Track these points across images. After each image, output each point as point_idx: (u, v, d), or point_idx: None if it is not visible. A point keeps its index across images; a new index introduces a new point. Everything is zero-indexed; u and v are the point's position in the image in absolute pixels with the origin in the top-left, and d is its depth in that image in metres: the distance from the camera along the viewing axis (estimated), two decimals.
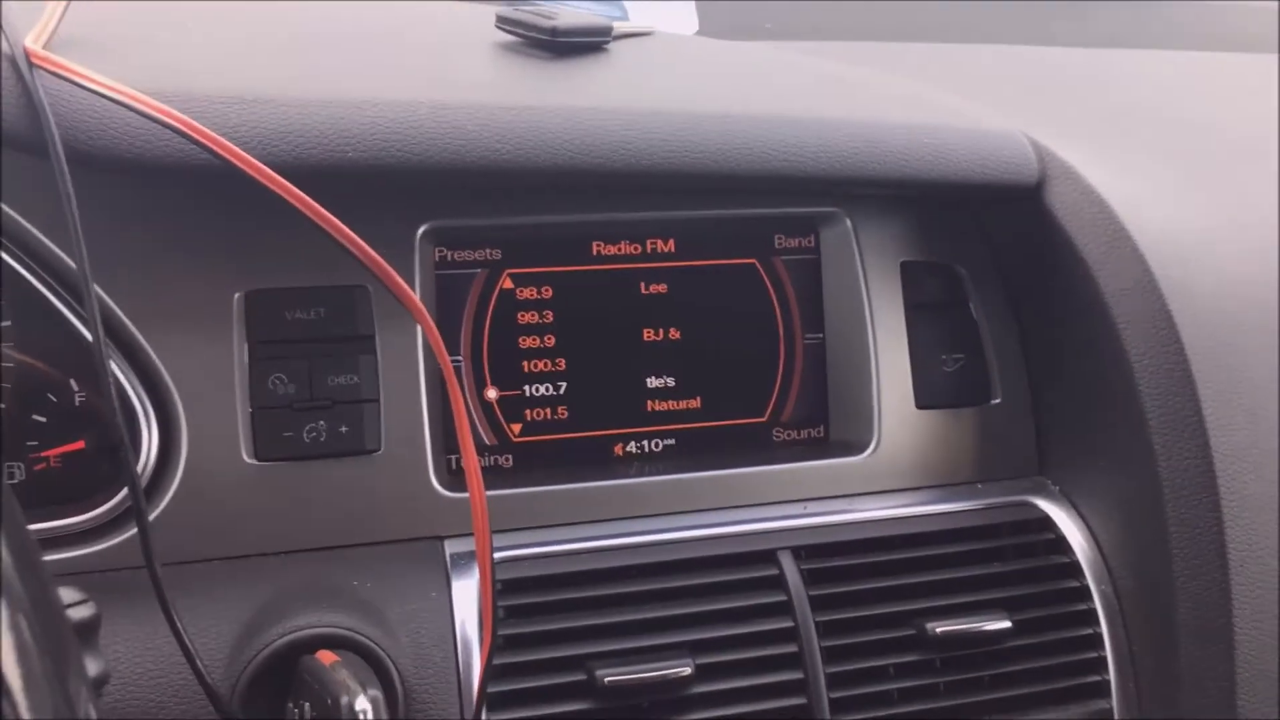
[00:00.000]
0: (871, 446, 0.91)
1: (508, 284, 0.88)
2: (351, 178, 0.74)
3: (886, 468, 0.91)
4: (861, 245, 0.93)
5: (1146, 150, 1.02)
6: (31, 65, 0.63)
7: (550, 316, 0.89)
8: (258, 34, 0.85)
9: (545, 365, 0.89)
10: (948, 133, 0.90)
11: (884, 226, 0.94)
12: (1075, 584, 0.87)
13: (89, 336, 0.71)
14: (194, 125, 0.62)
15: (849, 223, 0.93)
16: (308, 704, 0.64)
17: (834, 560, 0.84)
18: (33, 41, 0.64)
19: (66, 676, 0.38)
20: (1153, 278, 0.84)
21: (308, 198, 0.62)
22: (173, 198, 0.77)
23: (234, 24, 0.86)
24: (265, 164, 0.64)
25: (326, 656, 0.66)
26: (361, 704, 0.60)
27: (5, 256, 0.74)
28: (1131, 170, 0.94)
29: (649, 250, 0.91)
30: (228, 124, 0.66)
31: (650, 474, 0.88)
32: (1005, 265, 0.96)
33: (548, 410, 0.89)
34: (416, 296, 0.65)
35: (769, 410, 0.93)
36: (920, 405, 0.92)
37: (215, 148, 0.62)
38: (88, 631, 0.52)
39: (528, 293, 0.88)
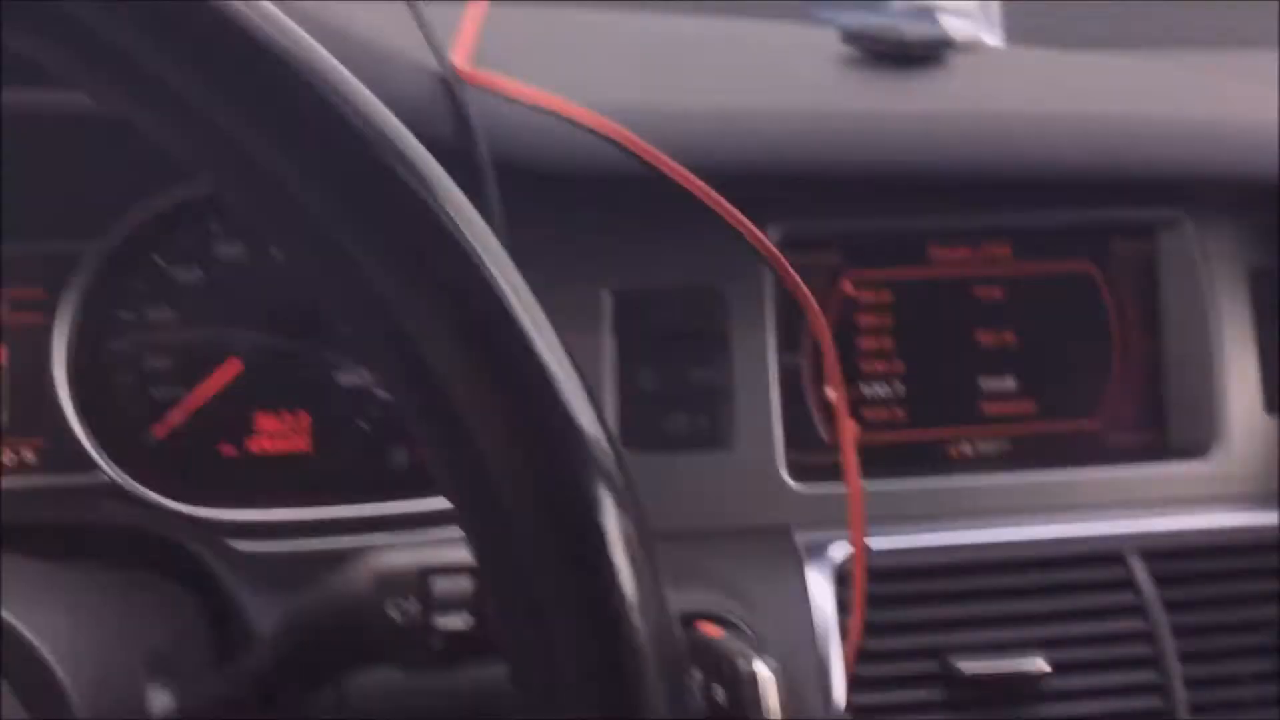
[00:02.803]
0: (1216, 450, 0.89)
1: (847, 286, 0.90)
2: (722, 184, 0.78)
3: (1232, 473, 0.89)
4: (1206, 249, 0.92)
5: None
6: (461, 83, 0.69)
7: (888, 319, 0.91)
8: (627, 50, 0.90)
9: (882, 366, 0.91)
10: None
11: (1228, 229, 0.92)
12: None
13: None
14: (625, 134, 0.67)
15: (1191, 227, 0.92)
16: (699, 672, 0.67)
17: (1184, 564, 0.83)
18: (459, 59, 0.71)
19: None
20: None
21: (730, 205, 0.66)
22: (550, 201, 0.83)
23: (601, 34, 0.92)
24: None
25: (710, 629, 0.70)
26: (762, 668, 0.63)
27: None
28: None
29: (985, 255, 0.92)
30: (653, 135, 0.71)
31: (985, 474, 0.89)
32: None
33: (885, 411, 0.91)
34: (807, 290, 0.68)
35: (1104, 414, 0.93)
36: (1270, 410, 0.90)
37: (646, 156, 0.67)
38: None
39: (866, 295, 0.91)
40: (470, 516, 0.38)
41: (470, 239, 0.38)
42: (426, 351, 0.37)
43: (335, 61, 0.38)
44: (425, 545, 0.52)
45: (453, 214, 0.38)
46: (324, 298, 0.39)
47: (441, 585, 0.50)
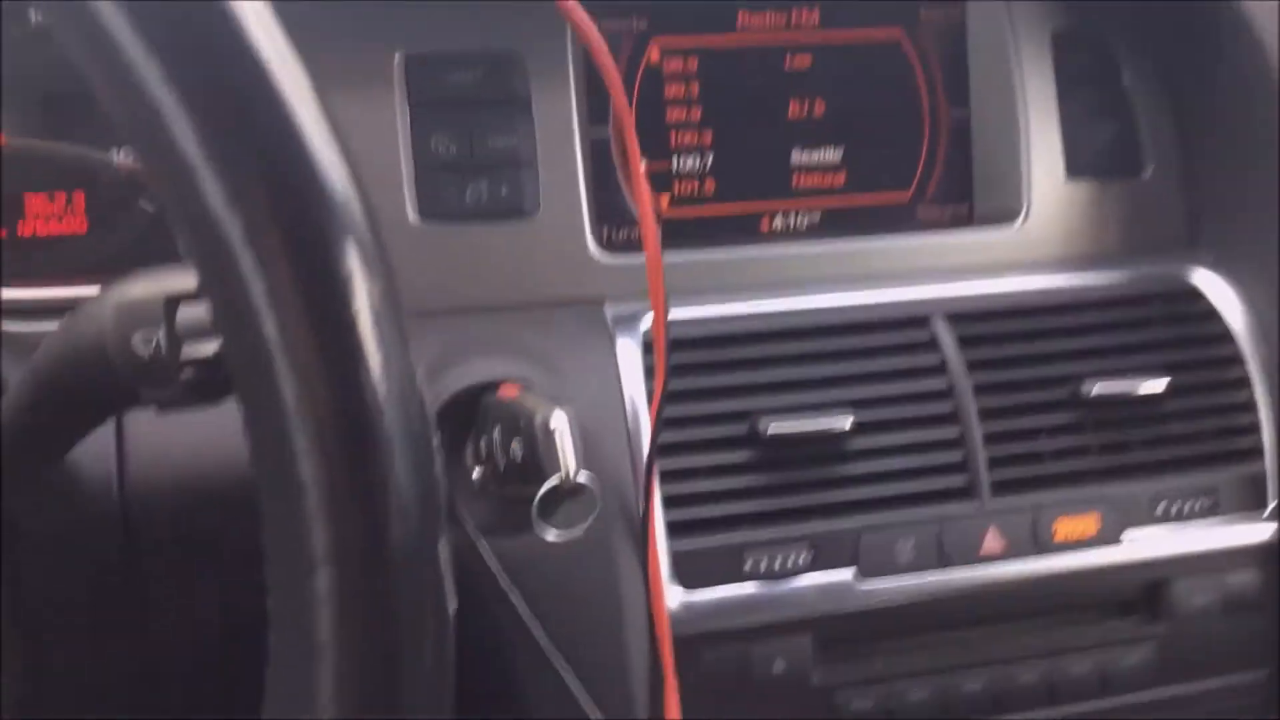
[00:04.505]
0: (1020, 217, 0.90)
1: (654, 55, 0.87)
2: None
3: (1035, 239, 0.91)
4: (1012, 15, 0.91)
5: None
6: None
7: (696, 89, 0.88)
8: None
9: (692, 138, 0.89)
10: None
11: None
12: (1229, 352, 0.87)
13: None
14: None
15: None
16: (496, 430, 0.66)
17: (987, 325, 0.84)
18: None
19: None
20: None
21: None
22: None
23: None
24: None
25: (509, 389, 0.68)
26: (558, 419, 0.61)
27: None
28: None
29: (793, 21, 0.90)
30: None
31: (797, 244, 0.88)
32: (1157, 33, 0.93)
33: (695, 184, 0.89)
34: (612, 66, 0.65)
35: (914, 184, 0.93)
36: (1071, 176, 0.91)
37: None
38: None
39: (674, 64, 0.88)
40: (206, 264, 0.35)
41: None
42: (166, 103, 0.33)
43: None
44: (173, 272, 0.48)
45: None
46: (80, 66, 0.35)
47: (188, 313, 0.47)
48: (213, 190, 0.34)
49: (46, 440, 0.53)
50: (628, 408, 0.76)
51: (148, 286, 0.47)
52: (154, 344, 0.46)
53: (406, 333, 0.37)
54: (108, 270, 0.78)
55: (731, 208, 0.90)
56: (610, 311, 0.81)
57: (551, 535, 0.63)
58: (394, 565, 0.35)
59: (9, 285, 0.75)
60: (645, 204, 0.69)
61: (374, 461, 0.35)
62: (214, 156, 0.33)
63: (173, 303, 0.46)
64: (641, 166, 0.70)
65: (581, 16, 0.66)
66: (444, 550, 0.37)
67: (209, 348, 0.46)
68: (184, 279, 0.47)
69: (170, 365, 0.46)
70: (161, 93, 0.33)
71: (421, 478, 0.36)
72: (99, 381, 0.48)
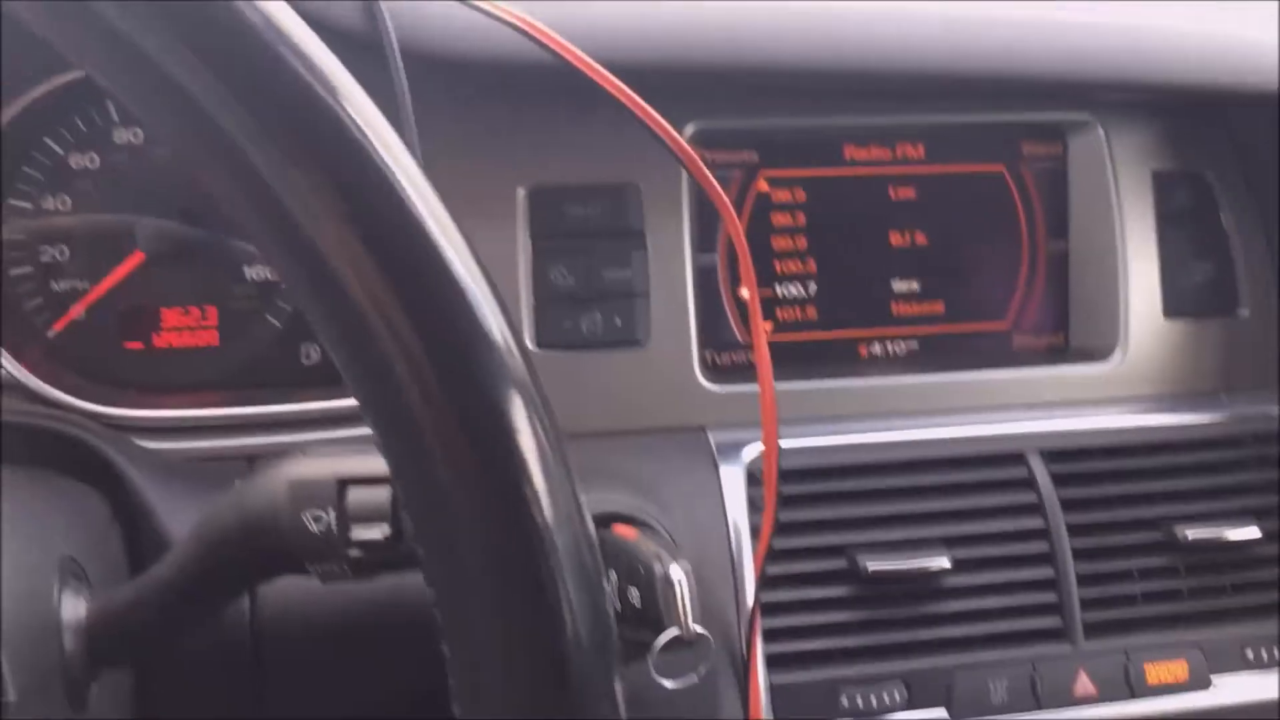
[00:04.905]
0: (1117, 354, 0.92)
1: (763, 186, 0.90)
2: (638, 76, 0.76)
3: (1130, 376, 0.92)
4: (1114, 153, 0.93)
5: None
6: None
7: (802, 218, 0.91)
8: None
9: (796, 266, 0.91)
10: (1202, 37, 0.89)
11: (1135, 134, 0.93)
12: None
13: None
14: (533, 24, 0.66)
15: (1101, 131, 0.93)
16: (613, 573, 0.68)
17: (1082, 464, 0.86)
18: None
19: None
20: None
21: (639, 99, 0.65)
22: (464, 95, 0.81)
23: None
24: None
25: (626, 530, 0.71)
26: (676, 572, 0.64)
27: None
28: None
29: (898, 155, 0.92)
30: (567, 26, 0.69)
31: (895, 375, 0.90)
32: (1256, 174, 0.95)
33: (797, 310, 0.91)
34: (723, 193, 0.68)
35: (1011, 316, 0.95)
36: (1168, 314, 0.93)
37: (554, 46, 0.65)
38: None
39: (782, 195, 0.91)
40: (381, 427, 0.37)
41: (374, 142, 0.36)
42: (331, 257, 0.35)
43: None
44: (342, 453, 0.51)
45: (355, 116, 0.36)
46: (225, 203, 0.37)
47: (358, 496, 0.49)
48: (412, 389, 0.36)
49: (207, 601, 0.56)
50: (732, 539, 0.79)
51: (320, 467, 0.50)
52: (325, 523, 0.49)
53: (574, 475, 0.39)
54: (235, 384, 0.82)
55: (832, 334, 0.92)
56: (714, 439, 0.83)
57: (669, 684, 0.65)
58: (572, 704, 0.37)
59: (143, 405, 0.78)
60: (760, 340, 0.71)
61: (552, 604, 0.37)
62: (410, 352, 0.36)
63: (344, 484, 0.49)
64: (755, 297, 0.72)
65: (691, 155, 0.68)
66: (619, 686, 0.39)
67: (376, 530, 0.49)
68: (353, 462, 0.50)
69: (339, 544, 0.49)
70: (390, 340, 0.35)
71: (597, 617, 0.38)
72: (269, 553, 0.51)
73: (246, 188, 0.36)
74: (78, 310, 0.81)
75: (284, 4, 0.37)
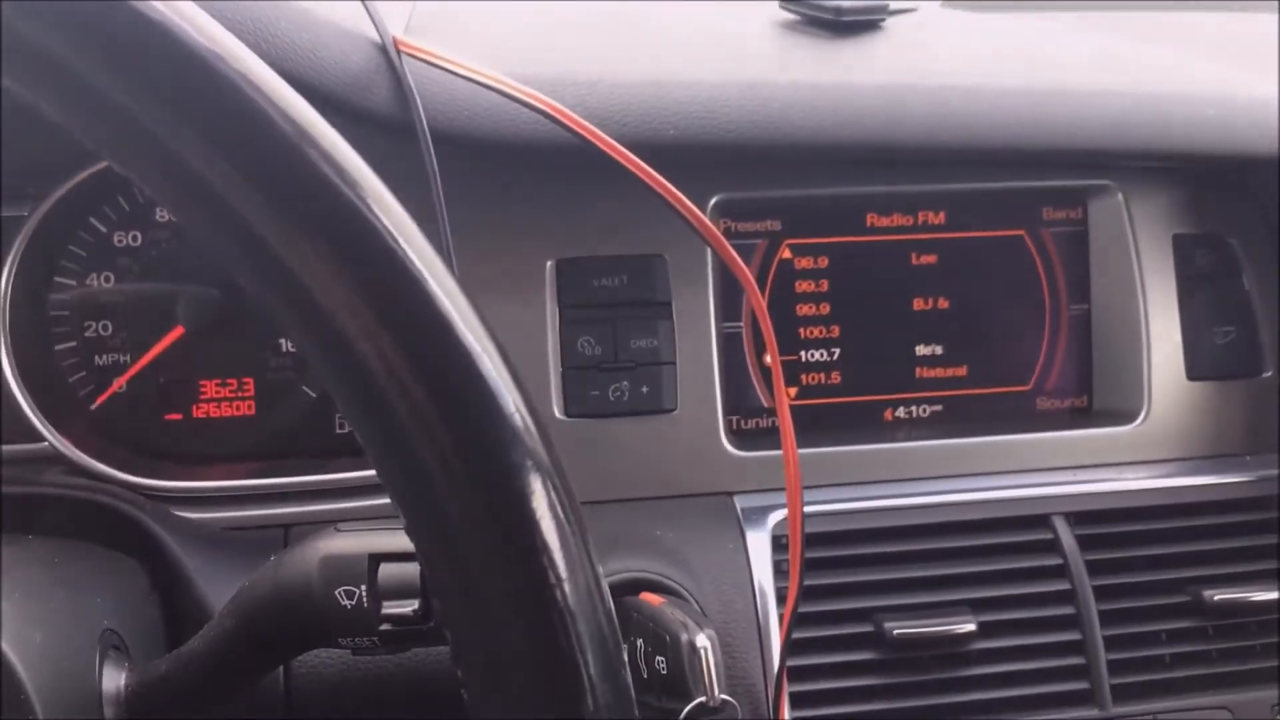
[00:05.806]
0: (1141, 416, 0.92)
1: (786, 254, 0.92)
2: (661, 153, 0.78)
3: (1155, 437, 0.93)
4: (1133, 218, 0.94)
5: None
6: (400, 54, 0.69)
7: (825, 285, 0.92)
8: (565, 21, 0.90)
9: (820, 332, 0.92)
10: (1220, 103, 0.90)
11: (1155, 198, 0.95)
12: None
13: None
14: (556, 107, 0.68)
15: (1121, 196, 0.94)
16: (640, 641, 0.69)
17: (1107, 526, 0.86)
18: (401, 31, 0.71)
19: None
20: None
21: (659, 177, 0.67)
22: (492, 172, 0.83)
23: (539, 5, 0.92)
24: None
25: (652, 598, 0.72)
26: (702, 640, 0.65)
27: None
28: None
29: (920, 222, 0.94)
30: (590, 106, 0.72)
31: (919, 439, 0.91)
32: (1277, 236, 0.96)
33: (822, 375, 0.93)
34: (744, 265, 0.69)
35: (1034, 379, 0.95)
36: (1191, 377, 0.93)
37: (576, 128, 0.67)
38: None
39: (805, 262, 0.92)
40: (405, 507, 0.39)
41: (389, 226, 0.37)
42: (350, 337, 0.37)
43: (258, 62, 0.37)
44: (374, 528, 0.52)
45: (369, 200, 0.38)
46: (254, 294, 0.39)
47: (389, 572, 0.51)
48: (441, 481, 0.37)
49: (242, 674, 0.57)
50: (758, 604, 0.80)
51: (353, 543, 0.52)
52: (357, 598, 0.50)
53: (592, 549, 0.40)
54: (270, 453, 0.84)
55: (856, 399, 0.93)
56: (740, 504, 0.84)
57: None
58: None
59: (181, 476, 0.80)
60: (784, 408, 0.72)
61: (572, 676, 0.38)
62: (435, 440, 0.37)
63: (375, 560, 0.51)
64: (778, 366, 0.73)
65: (713, 230, 0.70)
66: None
67: (406, 607, 0.51)
68: (385, 539, 0.51)
69: (370, 619, 0.51)
70: (412, 424, 0.37)
71: (618, 692, 0.39)
72: (302, 628, 0.53)
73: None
74: (120, 383, 0.84)
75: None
